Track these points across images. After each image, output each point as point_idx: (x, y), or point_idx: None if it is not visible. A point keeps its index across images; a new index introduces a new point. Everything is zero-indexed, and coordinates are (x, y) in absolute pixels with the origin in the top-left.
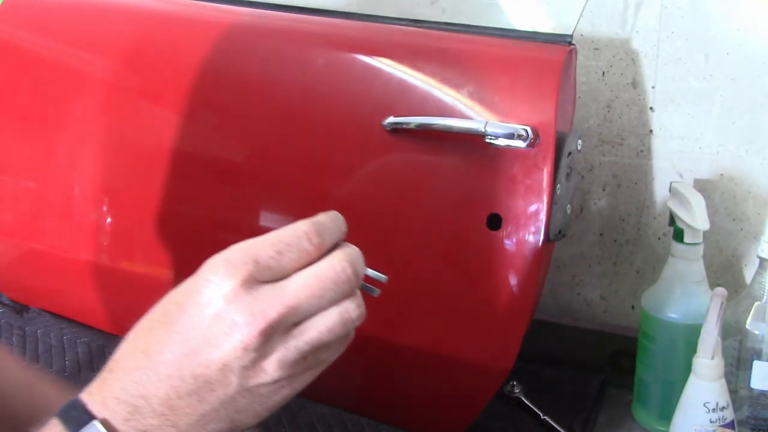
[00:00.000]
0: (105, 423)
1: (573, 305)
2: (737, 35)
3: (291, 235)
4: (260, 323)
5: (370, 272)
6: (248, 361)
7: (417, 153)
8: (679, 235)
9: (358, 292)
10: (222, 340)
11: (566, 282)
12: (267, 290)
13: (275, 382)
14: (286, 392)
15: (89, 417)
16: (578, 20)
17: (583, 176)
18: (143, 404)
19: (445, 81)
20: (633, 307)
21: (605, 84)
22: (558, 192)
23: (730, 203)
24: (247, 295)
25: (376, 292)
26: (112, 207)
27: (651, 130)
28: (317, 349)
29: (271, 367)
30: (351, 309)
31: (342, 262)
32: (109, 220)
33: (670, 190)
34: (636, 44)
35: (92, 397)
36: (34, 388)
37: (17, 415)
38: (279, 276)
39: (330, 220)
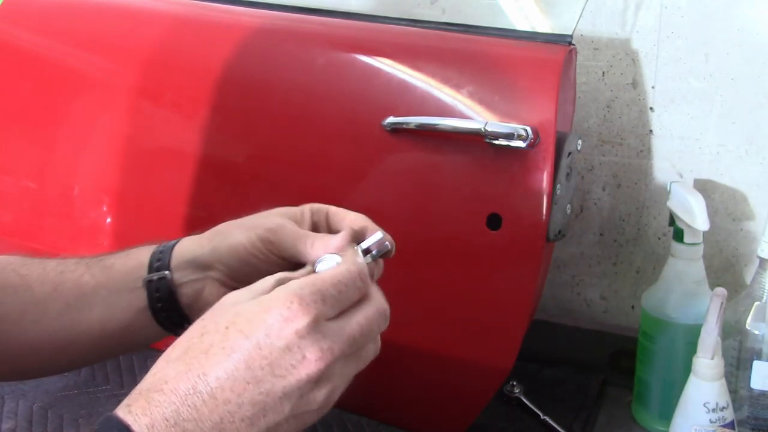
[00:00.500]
0: None
1: (573, 305)
2: (737, 35)
3: (347, 276)
4: (328, 359)
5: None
6: (306, 391)
7: (417, 153)
8: (679, 235)
9: None
10: (289, 372)
11: (566, 282)
12: (333, 328)
13: (319, 409)
14: (318, 416)
15: None
16: (578, 20)
17: (583, 176)
18: (193, 428)
19: (445, 81)
20: (633, 307)
21: (605, 84)
22: (558, 192)
23: (730, 203)
24: (316, 332)
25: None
26: (112, 207)
27: (651, 130)
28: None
29: (322, 397)
30: (378, 341)
31: (383, 306)
32: (109, 220)
33: (670, 190)
34: (636, 44)
35: (136, 418)
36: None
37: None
38: (338, 312)
39: (365, 268)
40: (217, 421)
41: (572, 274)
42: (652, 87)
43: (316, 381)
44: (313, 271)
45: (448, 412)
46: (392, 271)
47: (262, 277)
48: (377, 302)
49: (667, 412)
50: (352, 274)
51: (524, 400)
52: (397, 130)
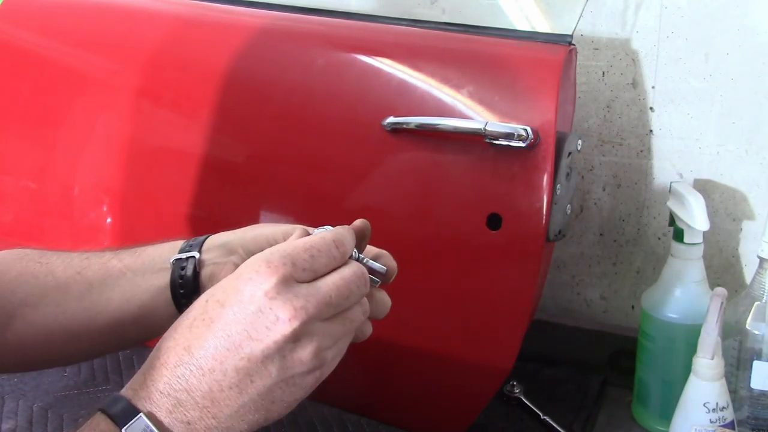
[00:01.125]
0: (150, 416)
1: (573, 305)
2: (737, 35)
3: (321, 243)
4: (302, 317)
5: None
6: (288, 352)
7: (417, 153)
8: (679, 235)
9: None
10: (264, 335)
11: (566, 282)
12: (304, 288)
13: (309, 371)
14: (314, 380)
15: (135, 410)
16: (578, 20)
17: (583, 176)
18: (186, 397)
19: (445, 81)
20: (633, 307)
21: (605, 84)
22: (558, 192)
23: (730, 203)
24: (287, 292)
25: (377, 282)
26: (112, 207)
27: (651, 130)
28: (341, 338)
29: (307, 357)
30: (365, 305)
31: (361, 269)
32: (109, 220)
33: (670, 190)
34: (636, 44)
35: (136, 392)
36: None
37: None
38: (312, 277)
39: (348, 234)
40: (206, 390)
41: (572, 274)
42: (652, 87)
43: (294, 340)
44: None
45: (448, 412)
46: None
47: None
48: (354, 266)
49: (667, 412)
50: (325, 241)
51: (524, 400)
52: (397, 130)
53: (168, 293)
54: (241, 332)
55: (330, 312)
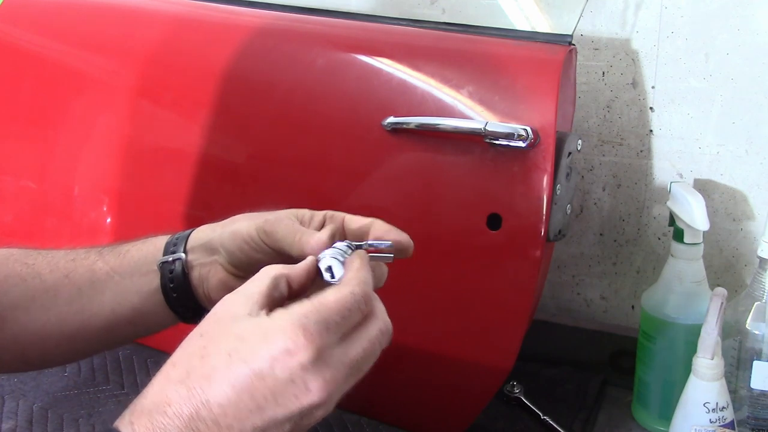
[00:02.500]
0: None
1: (573, 305)
2: (737, 35)
3: (352, 301)
4: (331, 388)
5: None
6: (308, 414)
7: (417, 153)
8: (679, 235)
9: None
10: (291, 402)
11: (566, 282)
12: (336, 356)
13: (317, 421)
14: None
15: None
16: (578, 20)
17: (583, 176)
18: None
19: (445, 81)
20: (633, 307)
21: (605, 84)
22: (558, 192)
23: (730, 203)
24: (321, 363)
25: (391, 259)
26: (112, 207)
27: (651, 130)
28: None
29: (321, 414)
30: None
31: (386, 325)
32: (109, 220)
33: (670, 190)
34: (636, 44)
35: None
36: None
37: None
38: (341, 337)
39: (368, 276)
40: None
41: (572, 274)
42: (652, 87)
43: (318, 406)
44: (316, 267)
45: (448, 412)
46: (392, 271)
47: (255, 266)
48: (380, 321)
49: (667, 412)
50: (356, 298)
51: (524, 400)
52: (397, 130)
53: (160, 296)
54: (267, 396)
55: (354, 375)
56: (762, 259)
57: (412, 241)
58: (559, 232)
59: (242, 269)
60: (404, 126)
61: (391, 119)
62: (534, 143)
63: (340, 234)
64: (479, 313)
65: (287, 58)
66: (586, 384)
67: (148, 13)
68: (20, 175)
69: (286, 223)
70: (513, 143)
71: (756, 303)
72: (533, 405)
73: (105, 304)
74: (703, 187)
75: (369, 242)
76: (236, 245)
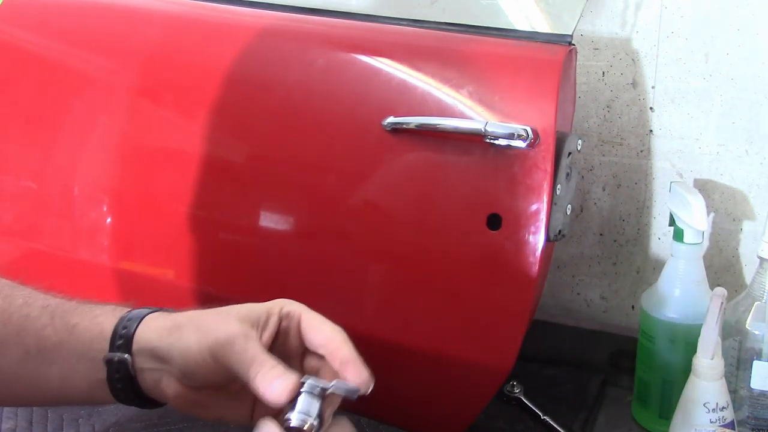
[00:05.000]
0: None
1: (573, 305)
2: (737, 35)
3: None
4: None
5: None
6: None
7: (417, 153)
8: (679, 235)
9: None
10: None
11: (566, 282)
12: None
13: None
14: None
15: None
16: (578, 20)
17: (583, 176)
18: None
19: (445, 81)
20: (633, 307)
21: (605, 84)
22: (558, 192)
23: (730, 203)
24: None
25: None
26: (112, 207)
27: (651, 130)
28: None
29: None
30: None
31: None
32: (109, 220)
33: (670, 190)
34: (636, 44)
35: None
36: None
37: None
38: None
39: None
40: None
41: (572, 274)
42: (652, 87)
43: None
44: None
45: (448, 412)
46: (392, 271)
47: (211, 382)
48: None
49: (667, 412)
50: None
51: (524, 400)
52: (397, 130)
53: (107, 389)
54: None
55: None
56: (762, 259)
57: (372, 381)
58: (559, 232)
59: (200, 384)
60: (404, 126)
61: (391, 119)
62: (534, 143)
63: (294, 333)
64: (479, 313)
65: (287, 58)
66: (586, 384)
67: (148, 13)
68: (20, 175)
69: (239, 347)
70: (513, 143)
71: (756, 303)
72: (533, 405)
73: (53, 378)
74: (703, 187)
75: (335, 384)
76: (187, 365)
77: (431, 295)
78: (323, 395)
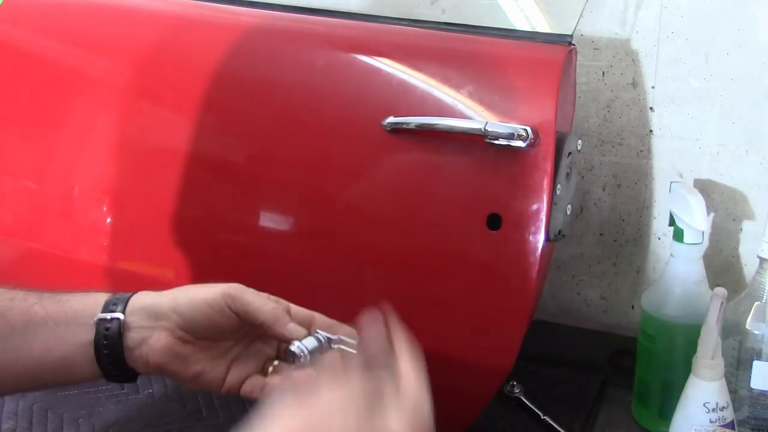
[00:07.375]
0: None
1: (573, 305)
2: (737, 35)
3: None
4: None
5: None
6: None
7: (417, 153)
8: (679, 235)
9: None
10: None
11: (566, 282)
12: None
13: None
14: None
15: None
16: (578, 20)
17: (583, 176)
18: None
19: (445, 81)
20: (633, 307)
21: (605, 84)
22: (558, 192)
23: (730, 203)
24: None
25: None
26: (112, 207)
27: (651, 130)
28: None
29: None
30: None
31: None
32: (109, 220)
33: (670, 190)
34: (636, 44)
35: None
36: None
37: None
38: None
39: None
40: None
41: (572, 274)
42: (652, 87)
43: None
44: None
45: (448, 412)
46: (392, 271)
47: (217, 331)
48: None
49: (667, 412)
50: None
51: (524, 400)
52: (397, 130)
53: (91, 350)
54: None
55: None
56: (762, 259)
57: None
58: (559, 232)
59: (197, 335)
60: (404, 126)
61: (390, 119)
62: (534, 143)
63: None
64: (479, 313)
65: (287, 58)
66: (586, 384)
67: (148, 13)
68: (20, 175)
69: (251, 291)
70: (513, 143)
71: (756, 303)
72: (533, 405)
73: (35, 347)
74: (703, 187)
75: (340, 337)
76: (198, 309)
77: (431, 294)
78: (328, 343)
